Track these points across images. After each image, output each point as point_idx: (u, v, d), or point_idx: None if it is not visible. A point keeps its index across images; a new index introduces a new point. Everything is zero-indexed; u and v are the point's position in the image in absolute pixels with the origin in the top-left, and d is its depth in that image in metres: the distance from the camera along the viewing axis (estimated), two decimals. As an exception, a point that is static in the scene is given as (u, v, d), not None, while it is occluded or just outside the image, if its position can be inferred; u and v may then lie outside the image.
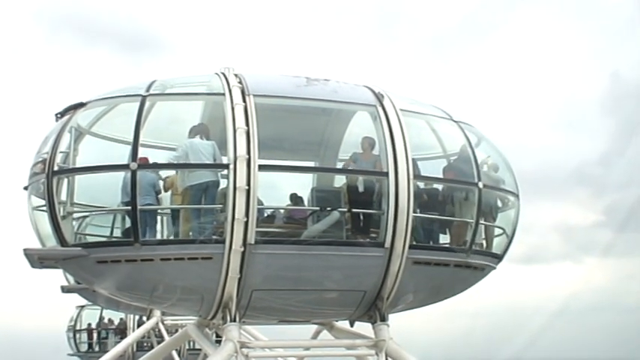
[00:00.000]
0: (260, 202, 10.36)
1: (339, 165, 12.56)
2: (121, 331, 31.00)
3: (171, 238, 10.72)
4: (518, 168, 12.41)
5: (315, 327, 12.95)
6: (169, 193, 10.89)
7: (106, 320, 32.84)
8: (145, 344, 27.60)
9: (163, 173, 10.89)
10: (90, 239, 10.86)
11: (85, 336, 33.58)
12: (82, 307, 32.43)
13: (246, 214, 9.77)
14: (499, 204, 11.95)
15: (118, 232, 10.80)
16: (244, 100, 10.29)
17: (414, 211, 10.52)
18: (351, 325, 11.78)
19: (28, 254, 10.22)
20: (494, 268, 11.94)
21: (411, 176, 10.51)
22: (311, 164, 12.93)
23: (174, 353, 24.26)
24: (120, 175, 10.19)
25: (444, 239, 11.61)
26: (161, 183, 10.82)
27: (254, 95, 10.38)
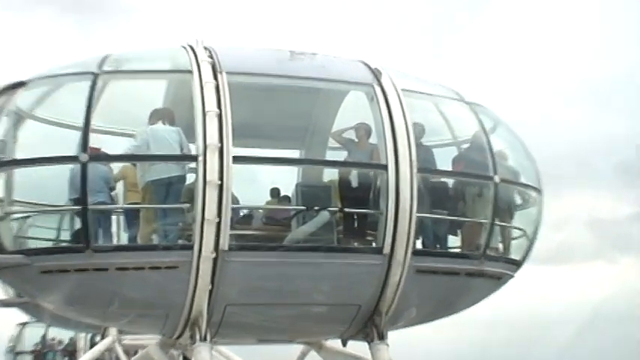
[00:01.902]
0: (235, 200, 10.42)
1: (330, 155, 12.59)
2: (70, 353, 31.08)
3: (130, 243, 10.70)
4: (538, 153, 12.46)
5: (301, 347, 13.03)
6: (125, 189, 10.89)
7: (52, 340, 32.85)
8: (100, 368, 27.64)
9: (117, 165, 10.90)
10: (32, 244, 10.80)
11: (27, 359, 33.59)
12: (25, 324, 32.45)
13: (219, 215, 9.78)
14: (518, 201, 12.04)
15: (66, 236, 10.78)
16: (216, 78, 10.28)
17: (418, 211, 10.55)
18: (344, 345, 11.89)
19: (-42, 263, 10.21)
20: (513, 276, 12.06)
21: (415, 169, 10.55)
22: (296, 154, 12.99)
23: (134, 378, 24.31)
24: (68, 168, 10.17)
25: (454, 243, 11.69)
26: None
27: (227, 72, 10.37)
